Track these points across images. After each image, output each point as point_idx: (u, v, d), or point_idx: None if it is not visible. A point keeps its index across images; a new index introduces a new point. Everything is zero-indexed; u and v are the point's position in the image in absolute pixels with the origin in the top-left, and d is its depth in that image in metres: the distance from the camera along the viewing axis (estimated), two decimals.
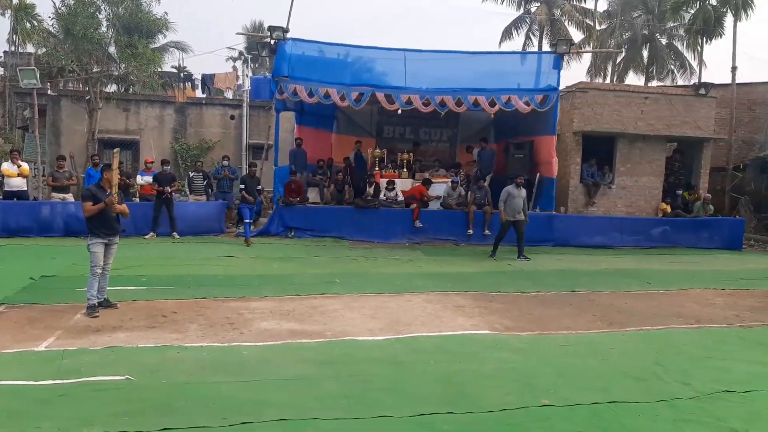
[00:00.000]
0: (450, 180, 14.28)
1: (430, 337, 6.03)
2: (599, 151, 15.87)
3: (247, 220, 12.47)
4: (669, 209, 15.58)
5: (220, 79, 25.94)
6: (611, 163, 15.98)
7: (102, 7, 18.00)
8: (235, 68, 34.48)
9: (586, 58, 33.09)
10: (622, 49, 31.19)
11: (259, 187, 13.24)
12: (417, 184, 14.28)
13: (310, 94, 13.48)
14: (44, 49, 19.52)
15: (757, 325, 7.06)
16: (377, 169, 14.99)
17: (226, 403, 4.18)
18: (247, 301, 7.29)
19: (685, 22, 26.69)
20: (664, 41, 31.43)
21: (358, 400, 4.35)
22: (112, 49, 18.67)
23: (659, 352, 5.78)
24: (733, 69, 20.92)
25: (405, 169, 15.26)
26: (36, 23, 20.56)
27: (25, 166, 12.80)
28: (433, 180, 14.26)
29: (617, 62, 32.27)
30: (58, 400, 4.16)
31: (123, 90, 21.77)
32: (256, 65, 35.46)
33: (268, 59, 22.21)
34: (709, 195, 16.11)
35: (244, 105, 20.32)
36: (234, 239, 12.87)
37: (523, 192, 11.85)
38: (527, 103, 13.79)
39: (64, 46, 18.08)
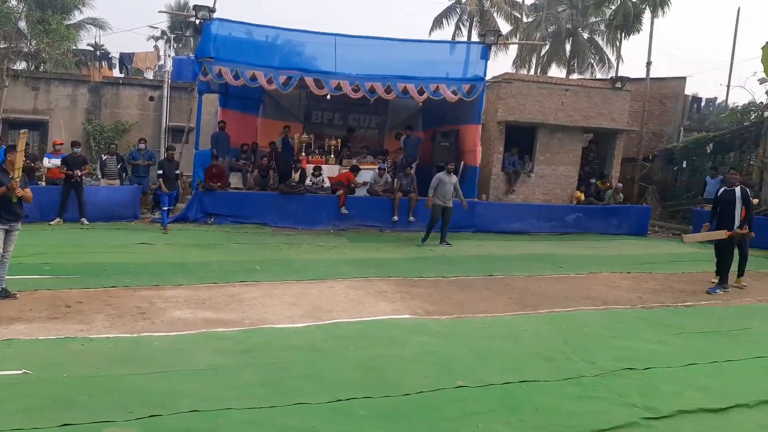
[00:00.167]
0: (377, 167, 14.30)
1: (351, 323, 6.05)
2: (521, 141, 16.33)
3: (165, 207, 11.94)
4: (583, 197, 16.27)
5: (139, 58, 24.77)
6: (531, 152, 16.50)
7: None
8: (156, 48, 33.03)
9: (513, 50, 33.98)
10: (547, 42, 32.21)
11: (178, 172, 12.67)
12: (345, 171, 14.22)
13: (236, 77, 13.06)
14: None
15: (658, 306, 7.53)
16: (304, 154, 14.79)
17: (133, 396, 4.02)
18: (161, 290, 7.03)
19: (606, 17, 27.90)
20: (585, 36, 32.72)
21: (274, 388, 4.30)
22: (22, 25, 17.37)
23: (568, 333, 6.06)
24: (648, 64, 22.07)
25: (332, 155, 15.15)
26: None
27: None
28: (360, 167, 14.24)
29: (542, 55, 33.34)
30: None
31: (33, 68, 20.32)
32: (180, 45, 34.13)
33: (192, 39, 21.34)
34: (620, 184, 16.98)
35: (165, 86, 19.47)
36: (149, 226, 12.33)
37: (454, 179, 12.00)
38: (455, 93, 13.97)
39: None
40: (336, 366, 4.82)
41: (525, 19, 32.70)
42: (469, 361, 5.09)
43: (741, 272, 9.01)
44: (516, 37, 31.09)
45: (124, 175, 13.73)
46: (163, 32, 33.82)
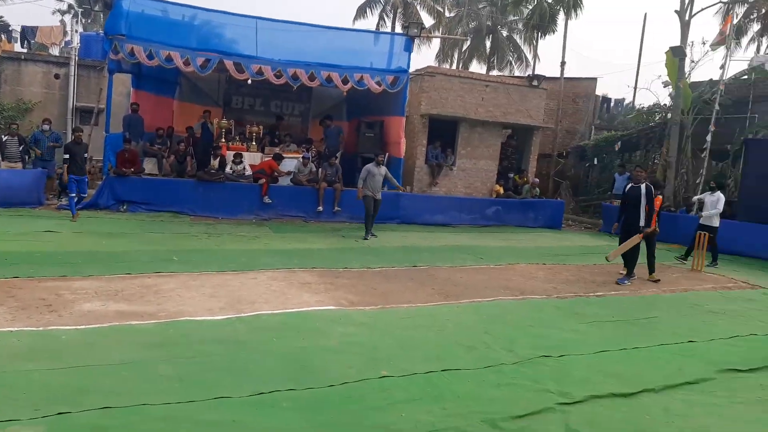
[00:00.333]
0: (301, 156, 14.09)
1: (274, 314, 5.91)
2: (444, 134, 16.61)
3: (72, 194, 11.14)
4: (502, 191, 16.82)
5: (44, 33, 23.04)
6: (454, 145, 16.83)
7: None
8: (62, 22, 30.94)
9: (435, 44, 34.50)
10: (468, 37, 32.91)
11: (86, 155, 11.79)
12: (267, 159, 13.90)
13: (150, 56, 12.42)
14: None
15: (571, 296, 7.89)
16: (224, 141, 14.32)
17: (39, 393, 3.75)
18: (68, 281, 6.59)
19: (523, 16, 28.86)
20: (505, 33, 33.70)
21: (193, 382, 4.13)
22: None
23: (488, 322, 6.23)
24: (562, 64, 23.07)
25: (254, 143, 14.77)
26: None
27: None
28: (284, 155, 13.96)
29: (463, 50, 34.03)
30: None
31: None
32: (88, 21, 32.16)
33: (102, 15, 20.10)
34: (537, 179, 17.70)
35: (72, 63, 18.21)
36: (55, 212, 11.54)
37: (383, 170, 11.95)
38: (379, 83, 14.00)
39: None
40: (258, 358, 4.70)
41: (447, 14, 33.26)
42: (393, 350, 5.11)
43: (651, 269, 9.52)
44: (438, 30, 31.55)
45: (27, 157, 12.75)
46: (70, 6, 31.71)
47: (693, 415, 4.25)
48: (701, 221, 11.38)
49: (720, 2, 21.62)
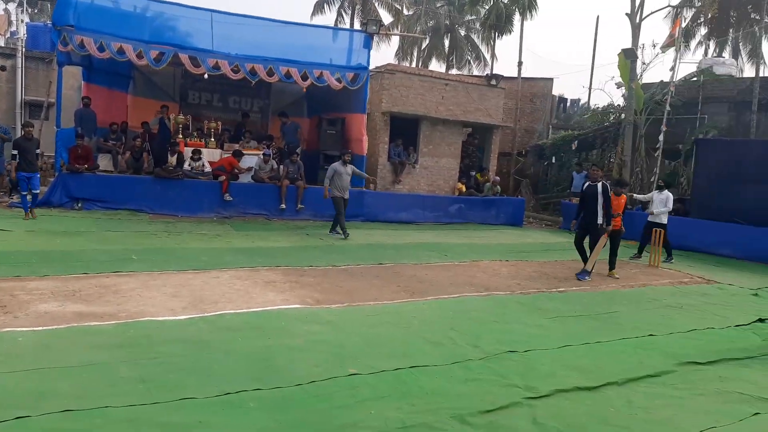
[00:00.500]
0: (262, 152, 13.88)
1: (238, 314, 5.80)
2: (405, 132, 16.67)
3: (24, 192, 10.57)
4: (464, 189, 17.01)
5: None
6: (416, 143, 16.90)
7: None
8: (7, 11, 29.58)
9: (395, 42, 34.60)
10: (427, 36, 33.11)
11: (39, 151, 11.27)
12: (227, 156, 13.64)
13: (101, 49, 12.02)
14: None
15: (534, 291, 8.03)
16: (181, 137, 13.98)
17: None
18: (23, 281, 6.34)
19: (480, 16, 29.20)
20: (463, 32, 34.04)
21: (157, 384, 4.02)
22: None
23: (454, 318, 6.27)
24: (519, 64, 23.46)
25: (213, 139, 14.48)
26: None
27: None
28: (244, 152, 13.73)
29: (422, 48, 34.22)
30: None
31: None
32: (35, 10, 30.97)
33: (49, 4, 19.34)
34: (498, 177, 17.95)
35: (19, 55, 17.49)
36: (7, 210, 11.06)
37: (350, 169, 11.81)
38: (339, 80, 13.93)
39: None
40: (223, 358, 4.60)
41: (406, 12, 33.38)
42: (360, 348, 5.08)
43: (612, 265, 9.76)
44: (397, 28, 31.67)
45: None
46: None
47: (655, 407, 4.36)
48: (650, 218, 11.74)
49: (669, 6, 22.41)
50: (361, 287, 7.42)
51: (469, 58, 33.67)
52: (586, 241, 9.43)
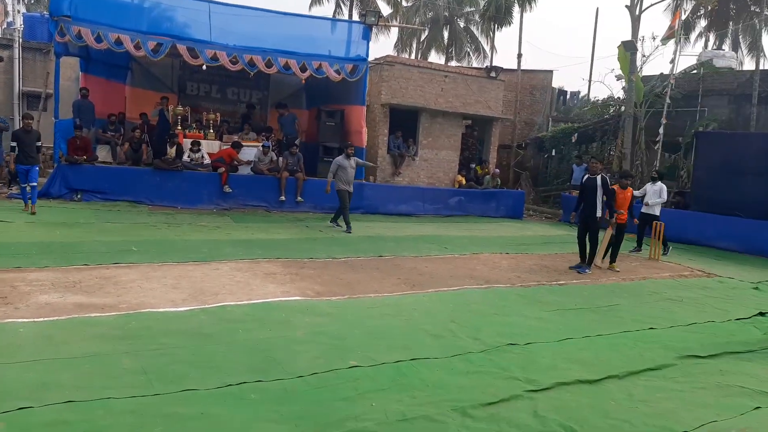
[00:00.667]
0: (261, 144, 13.84)
1: (239, 305, 5.80)
2: (405, 124, 16.62)
3: (24, 185, 10.40)
4: (464, 181, 16.97)
5: None
6: (415, 135, 16.86)
7: None
8: (3, 2, 29.38)
9: (394, 33, 34.44)
10: (426, 27, 32.97)
11: (39, 143, 10.83)
12: (226, 147, 13.61)
13: (98, 39, 11.95)
14: None
15: (535, 284, 8.02)
16: (180, 128, 13.93)
17: None
18: (23, 272, 6.32)
19: (480, 8, 29.07)
20: (462, 24, 33.90)
21: (158, 375, 4.02)
22: None
23: (454, 311, 6.27)
24: (519, 56, 23.39)
25: (212, 130, 14.43)
26: None
27: None
28: (243, 143, 13.69)
29: (421, 40, 34.09)
30: None
31: None
32: (32, 1, 30.80)
33: None
34: (498, 170, 17.92)
35: (16, 46, 17.38)
36: (6, 202, 11.02)
37: (353, 161, 11.72)
38: (338, 72, 13.87)
39: None
40: (224, 350, 4.60)
41: (404, 3, 33.22)
42: (361, 340, 5.08)
43: (613, 258, 9.76)
44: (396, 20, 31.51)
45: None
46: None
47: (656, 400, 4.36)
48: (643, 210, 11.68)
49: None
50: (362, 279, 7.42)
51: (469, 50, 33.55)
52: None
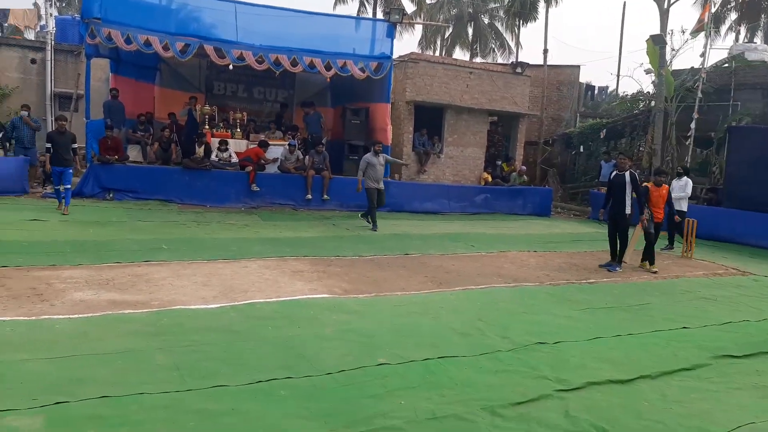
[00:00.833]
0: (287, 143, 13.94)
1: (268, 303, 5.85)
2: (430, 121, 16.57)
3: (57, 187, 10.46)
4: (490, 178, 16.85)
5: (16, 15, 22.43)
6: (440, 133, 16.79)
7: None
8: (36, 5, 30.10)
9: (418, 30, 34.35)
10: (450, 24, 32.79)
11: (74, 145, 10.75)
12: (253, 146, 13.74)
13: (128, 41, 12.18)
14: None
15: (564, 283, 7.92)
16: (207, 128, 14.12)
17: (36, 383, 3.68)
18: (58, 270, 6.47)
19: (504, 3, 28.79)
20: (486, 20, 33.64)
21: (190, 371, 4.08)
22: None
23: (482, 309, 6.22)
24: (545, 51, 23.09)
25: (239, 129, 14.59)
26: None
27: None
28: (269, 142, 13.80)
29: (446, 37, 33.92)
30: None
31: None
32: (63, 4, 31.51)
33: None
34: (524, 167, 17.74)
35: (48, 48, 17.77)
36: (41, 201, 11.30)
37: (382, 158, 11.69)
38: (362, 70, 13.90)
39: None
40: (254, 347, 4.65)
41: (428, 0, 33.06)
42: (389, 338, 5.08)
43: (651, 259, 9.36)
44: (420, 17, 31.38)
45: (7, 145, 12.44)
46: None
47: (690, 401, 4.27)
48: None
49: None
50: (388, 277, 7.42)
51: (494, 46, 33.29)
52: None
